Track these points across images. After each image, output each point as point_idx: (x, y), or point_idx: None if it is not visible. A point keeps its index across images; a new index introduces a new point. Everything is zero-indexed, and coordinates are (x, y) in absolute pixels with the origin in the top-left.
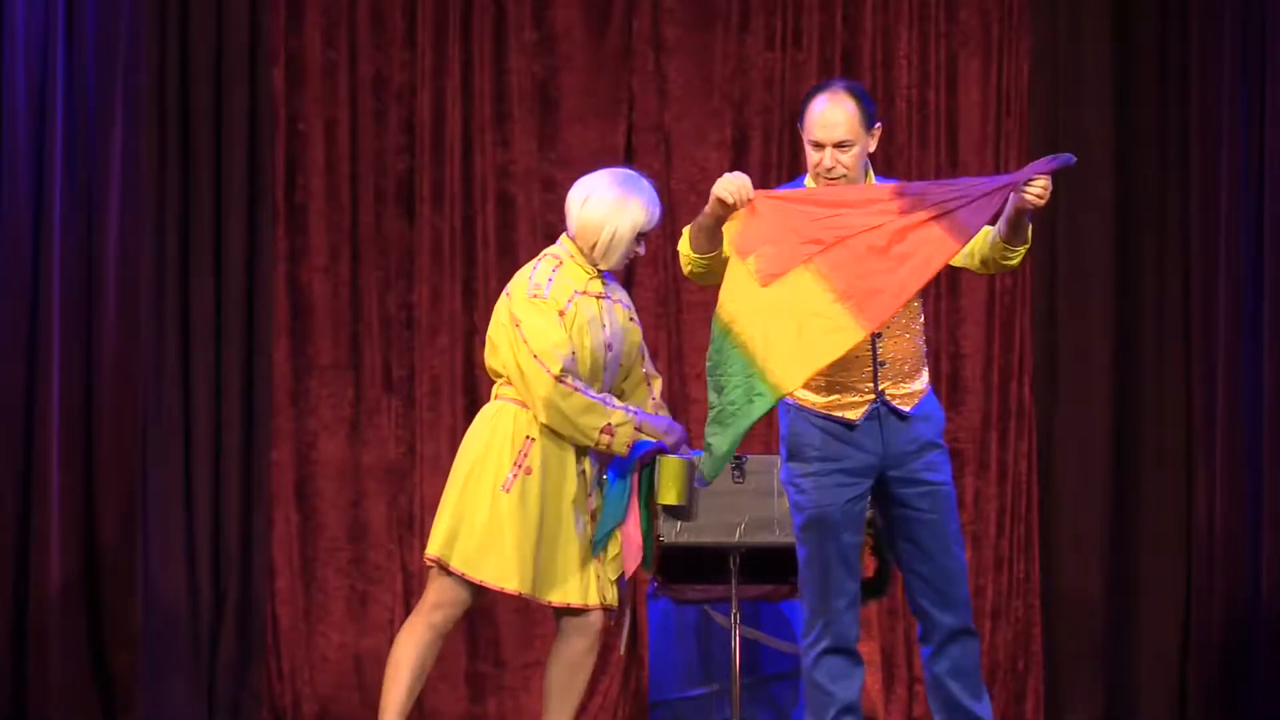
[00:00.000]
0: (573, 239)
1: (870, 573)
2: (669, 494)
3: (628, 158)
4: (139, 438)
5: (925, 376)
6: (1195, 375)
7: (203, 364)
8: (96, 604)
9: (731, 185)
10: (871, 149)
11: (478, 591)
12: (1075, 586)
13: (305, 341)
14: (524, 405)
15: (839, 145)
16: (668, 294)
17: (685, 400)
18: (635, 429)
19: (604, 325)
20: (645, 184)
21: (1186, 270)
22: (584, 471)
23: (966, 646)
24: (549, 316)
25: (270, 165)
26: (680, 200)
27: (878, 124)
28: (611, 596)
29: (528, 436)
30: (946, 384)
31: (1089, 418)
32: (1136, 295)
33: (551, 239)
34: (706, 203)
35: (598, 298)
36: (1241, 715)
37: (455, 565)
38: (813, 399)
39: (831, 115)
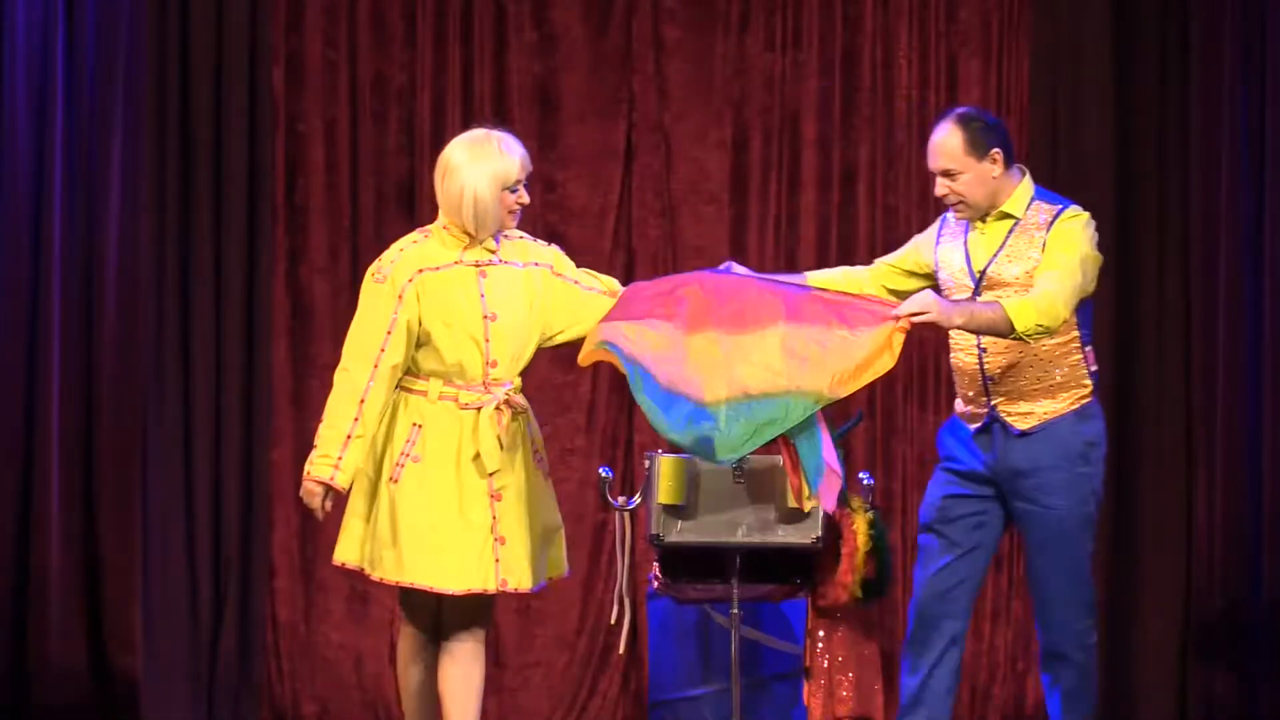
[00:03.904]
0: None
1: (870, 574)
2: (668, 494)
3: (628, 158)
4: (139, 438)
5: (1067, 400)
6: (1195, 375)
7: (203, 364)
8: (96, 604)
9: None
10: (996, 174)
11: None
12: None
13: (305, 341)
14: (419, 394)
15: (944, 173)
16: None
17: None
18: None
19: (482, 295)
20: (495, 136)
21: (1186, 270)
22: (477, 455)
23: (1058, 671)
24: (379, 302)
25: (270, 165)
26: (680, 200)
27: (995, 149)
28: (518, 579)
29: (414, 424)
30: (946, 384)
31: None
32: (1136, 295)
33: (552, 239)
34: (707, 203)
35: (475, 266)
36: (1241, 715)
37: (370, 571)
38: (958, 405)
39: (933, 143)
